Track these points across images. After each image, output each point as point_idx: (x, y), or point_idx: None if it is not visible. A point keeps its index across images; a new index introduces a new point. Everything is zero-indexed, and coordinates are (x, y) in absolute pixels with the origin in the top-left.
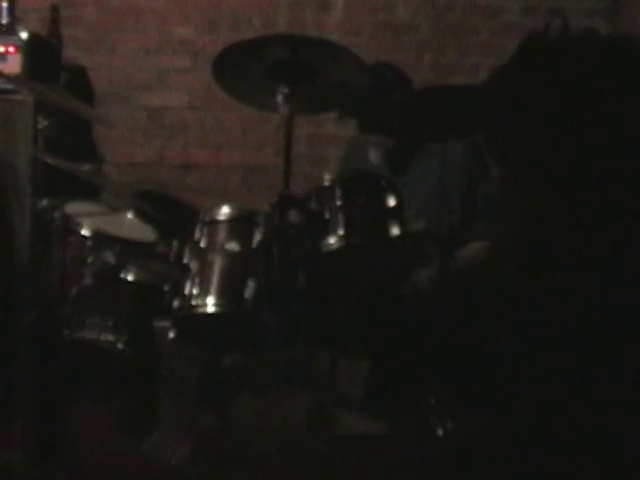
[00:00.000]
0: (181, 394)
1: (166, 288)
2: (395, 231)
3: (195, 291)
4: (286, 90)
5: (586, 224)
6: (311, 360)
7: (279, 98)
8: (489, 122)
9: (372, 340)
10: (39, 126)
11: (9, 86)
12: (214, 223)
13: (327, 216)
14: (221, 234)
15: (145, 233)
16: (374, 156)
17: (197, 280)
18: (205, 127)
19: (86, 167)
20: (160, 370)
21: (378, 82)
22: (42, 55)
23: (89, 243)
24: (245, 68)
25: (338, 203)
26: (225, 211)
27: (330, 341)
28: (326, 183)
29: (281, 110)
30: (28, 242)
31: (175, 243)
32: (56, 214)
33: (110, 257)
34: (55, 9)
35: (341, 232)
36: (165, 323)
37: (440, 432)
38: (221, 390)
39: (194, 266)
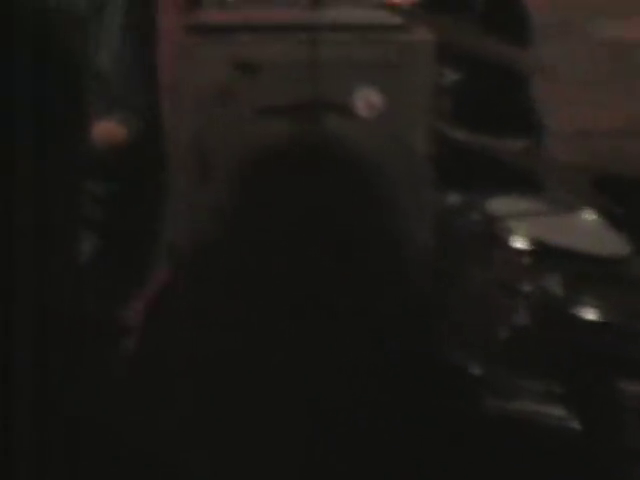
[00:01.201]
0: None
1: None
2: None
3: None
4: None
5: None
6: None
7: None
8: None
9: None
10: (443, 82)
11: (397, 21)
12: None
13: None
14: None
15: (612, 244)
16: None
17: None
18: None
19: (517, 144)
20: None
21: None
22: None
23: (525, 260)
24: None
25: None
26: None
27: None
28: None
29: None
30: (430, 254)
31: None
32: (473, 215)
33: (556, 282)
34: None
35: None
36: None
37: None
38: None
39: None
